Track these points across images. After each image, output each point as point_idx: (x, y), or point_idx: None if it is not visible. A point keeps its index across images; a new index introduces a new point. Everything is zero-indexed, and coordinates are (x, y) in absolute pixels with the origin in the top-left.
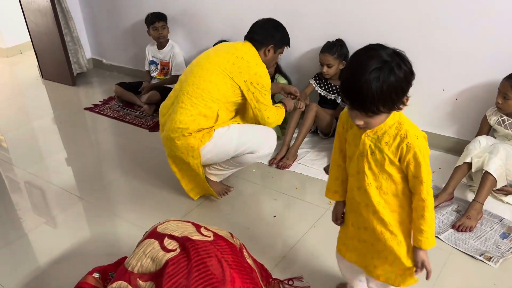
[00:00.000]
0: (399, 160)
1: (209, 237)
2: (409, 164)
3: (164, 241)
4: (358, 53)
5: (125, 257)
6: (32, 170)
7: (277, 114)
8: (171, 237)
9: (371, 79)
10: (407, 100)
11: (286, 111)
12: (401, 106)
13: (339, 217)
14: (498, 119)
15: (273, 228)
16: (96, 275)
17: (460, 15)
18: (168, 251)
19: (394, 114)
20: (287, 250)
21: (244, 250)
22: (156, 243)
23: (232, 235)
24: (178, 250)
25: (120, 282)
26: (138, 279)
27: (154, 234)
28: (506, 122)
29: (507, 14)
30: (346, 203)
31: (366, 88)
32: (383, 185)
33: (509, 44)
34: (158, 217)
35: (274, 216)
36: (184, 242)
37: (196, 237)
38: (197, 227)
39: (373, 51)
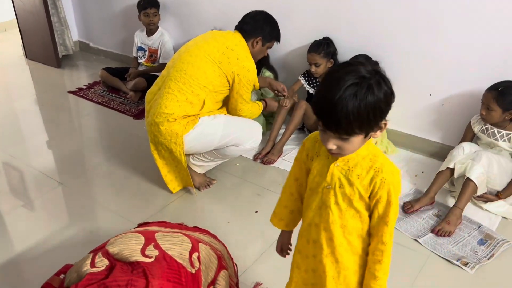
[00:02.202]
0: (370, 196)
1: (151, 257)
2: (378, 202)
3: (97, 257)
4: (334, 68)
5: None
6: (11, 151)
7: (251, 111)
8: (106, 254)
9: (347, 95)
10: (385, 125)
11: (264, 109)
12: (377, 131)
13: (285, 248)
14: (482, 127)
15: (253, 223)
16: (62, 276)
17: (451, 20)
18: (93, 267)
19: (368, 144)
20: (267, 246)
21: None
22: (90, 258)
23: (214, 237)
24: (103, 268)
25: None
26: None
27: (97, 249)
28: (489, 131)
29: (496, 22)
30: (298, 240)
31: (341, 105)
32: (349, 223)
33: (497, 52)
34: (138, 206)
35: (256, 211)
36: (113, 263)
37: (134, 258)
38: (147, 242)
39: (351, 66)
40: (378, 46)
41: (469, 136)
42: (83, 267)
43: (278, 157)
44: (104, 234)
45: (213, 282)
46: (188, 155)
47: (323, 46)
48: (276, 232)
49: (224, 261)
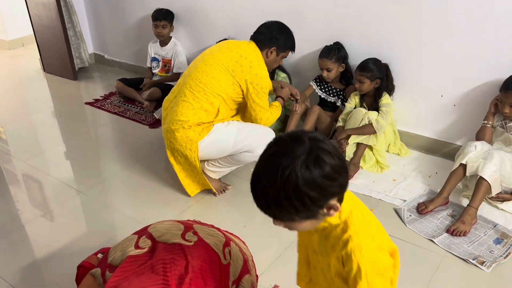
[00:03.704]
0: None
1: (191, 242)
2: (348, 278)
3: (141, 239)
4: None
5: None
6: (31, 162)
7: (270, 116)
8: (150, 236)
9: (263, 186)
10: (329, 209)
11: (283, 106)
12: (328, 212)
13: None
14: (501, 121)
15: (269, 227)
16: (100, 255)
17: (459, 20)
18: (137, 248)
19: (342, 212)
20: (283, 249)
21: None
22: (135, 239)
23: (243, 243)
24: (146, 249)
25: (96, 269)
26: (107, 269)
27: (140, 231)
28: (508, 125)
29: (506, 19)
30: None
31: (261, 194)
32: None
33: (508, 49)
34: (155, 212)
35: None
36: (155, 244)
37: (175, 240)
38: (186, 229)
39: (276, 155)
40: (388, 49)
41: (488, 132)
42: (127, 247)
43: None
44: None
45: (237, 282)
46: (203, 161)
47: (334, 51)
48: (292, 234)
49: (249, 266)
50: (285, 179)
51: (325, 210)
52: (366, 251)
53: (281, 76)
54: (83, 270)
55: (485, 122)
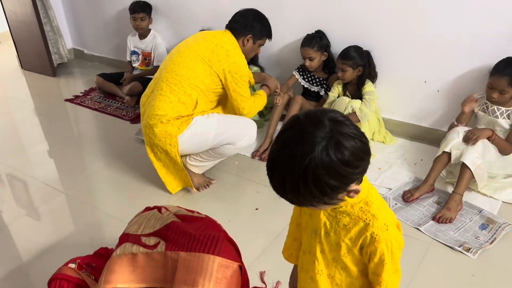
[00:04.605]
0: (361, 250)
1: (202, 215)
2: (370, 260)
3: (162, 211)
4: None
5: (104, 248)
6: (12, 163)
7: (254, 104)
8: (167, 209)
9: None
10: (350, 193)
11: (269, 94)
12: (348, 195)
13: (296, 286)
14: (483, 105)
15: (254, 221)
16: (71, 265)
17: (440, 5)
18: (170, 217)
19: (362, 189)
20: (268, 243)
21: None
22: (155, 211)
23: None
24: (179, 220)
25: (124, 244)
26: (141, 237)
27: (148, 209)
28: (490, 109)
29: (486, 3)
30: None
31: (280, 181)
32: (336, 276)
33: (489, 34)
34: (140, 208)
35: (256, 209)
36: (183, 217)
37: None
38: (190, 211)
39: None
40: (371, 36)
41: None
42: (159, 215)
43: None
44: (107, 238)
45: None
46: (184, 156)
47: (316, 40)
48: (278, 227)
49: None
50: (304, 168)
51: (345, 194)
52: (392, 229)
53: (254, 69)
54: (59, 282)
55: (457, 123)
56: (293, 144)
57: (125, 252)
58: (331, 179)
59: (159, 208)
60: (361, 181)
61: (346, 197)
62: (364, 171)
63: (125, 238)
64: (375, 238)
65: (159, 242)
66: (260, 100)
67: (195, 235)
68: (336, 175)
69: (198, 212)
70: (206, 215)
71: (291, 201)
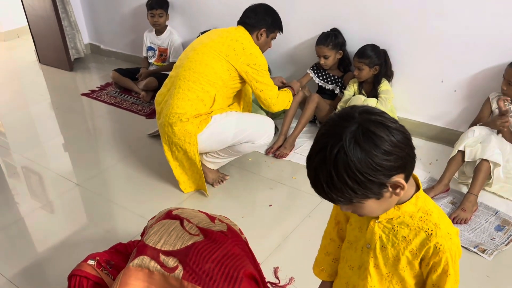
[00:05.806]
0: (420, 263)
1: (224, 229)
2: (432, 272)
3: (185, 224)
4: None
5: (120, 243)
6: (29, 155)
7: (281, 94)
8: (190, 222)
9: (316, 165)
10: (395, 187)
11: (294, 94)
12: (394, 190)
13: None
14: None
15: (268, 217)
16: (91, 262)
17: (458, 3)
18: (192, 234)
19: (417, 197)
20: (282, 240)
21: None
22: (177, 223)
23: (241, 232)
24: (201, 236)
25: (142, 257)
26: (160, 254)
27: (171, 216)
28: (508, 107)
29: (505, 1)
30: None
31: (315, 176)
32: None
33: (508, 31)
34: (154, 204)
35: (270, 205)
36: (205, 231)
37: (214, 228)
38: (211, 218)
39: (330, 131)
40: (387, 35)
41: (486, 112)
42: (182, 231)
43: (291, 151)
44: (120, 232)
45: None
46: (201, 153)
47: (331, 38)
48: (291, 224)
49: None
50: (334, 158)
51: (390, 189)
52: (455, 238)
53: None
54: (78, 279)
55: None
56: (324, 138)
57: (142, 265)
58: (364, 167)
59: (181, 221)
60: (408, 178)
61: (393, 195)
62: (405, 161)
63: (143, 249)
64: (440, 248)
65: (177, 266)
66: (285, 94)
67: (214, 269)
68: (367, 163)
69: (219, 220)
70: (227, 224)
71: (332, 199)
